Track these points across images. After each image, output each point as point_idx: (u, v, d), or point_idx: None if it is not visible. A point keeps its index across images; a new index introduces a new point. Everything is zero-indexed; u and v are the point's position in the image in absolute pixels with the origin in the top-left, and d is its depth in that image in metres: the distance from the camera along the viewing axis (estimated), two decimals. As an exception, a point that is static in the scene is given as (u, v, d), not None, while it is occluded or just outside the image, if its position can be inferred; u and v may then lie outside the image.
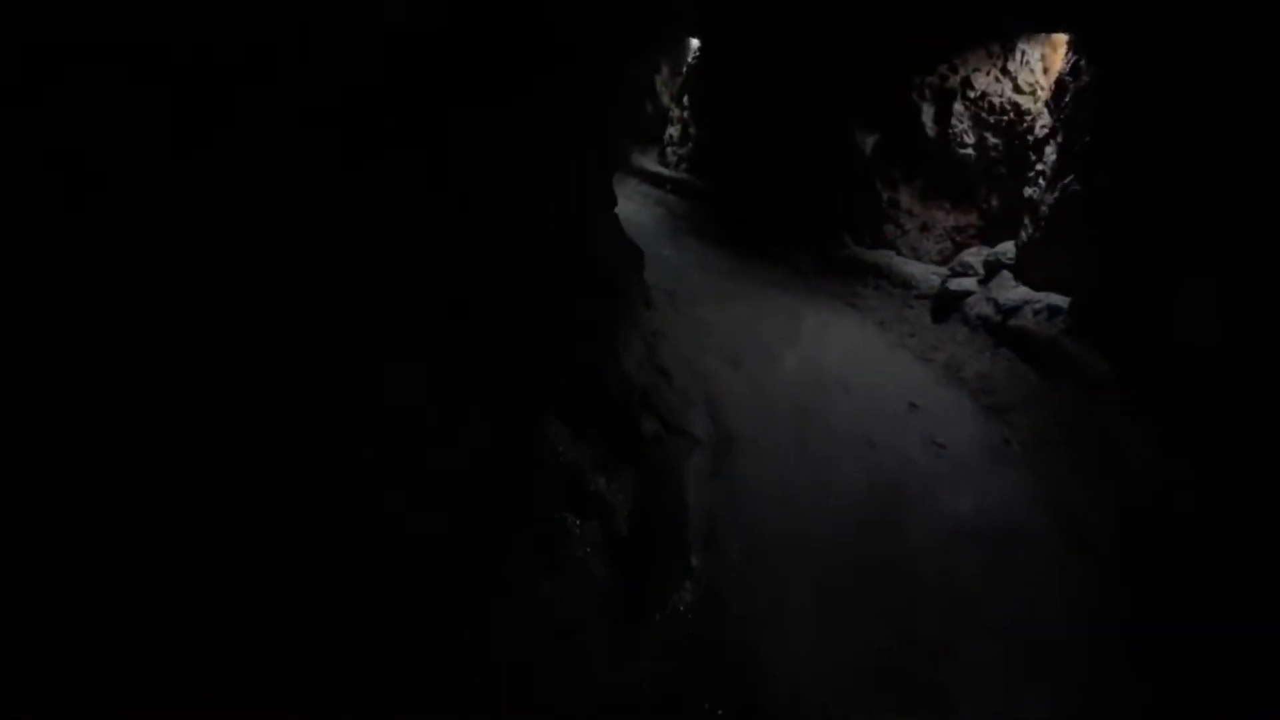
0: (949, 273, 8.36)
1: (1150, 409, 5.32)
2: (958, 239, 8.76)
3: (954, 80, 8.56)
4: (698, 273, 10.10)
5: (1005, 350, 7.03)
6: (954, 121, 8.50)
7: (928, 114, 8.79)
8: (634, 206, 14.28)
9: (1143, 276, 5.80)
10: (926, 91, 8.79)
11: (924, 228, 8.93)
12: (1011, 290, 7.43)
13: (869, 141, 9.38)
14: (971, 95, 8.38)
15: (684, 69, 15.21)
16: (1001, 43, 8.19)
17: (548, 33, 4.22)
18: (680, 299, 8.87)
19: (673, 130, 15.28)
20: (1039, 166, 7.51)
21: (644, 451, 5.41)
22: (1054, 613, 4.40)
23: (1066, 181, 6.76)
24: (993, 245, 8.22)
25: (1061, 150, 7.07)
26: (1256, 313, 4.86)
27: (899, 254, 9.10)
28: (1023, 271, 7.56)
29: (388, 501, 3.10)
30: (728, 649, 4.12)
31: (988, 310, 7.47)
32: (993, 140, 8.31)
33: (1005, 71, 8.18)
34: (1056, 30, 7.51)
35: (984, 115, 8.30)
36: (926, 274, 8.62)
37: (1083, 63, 6.86)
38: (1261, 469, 4.54)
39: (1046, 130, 7.50)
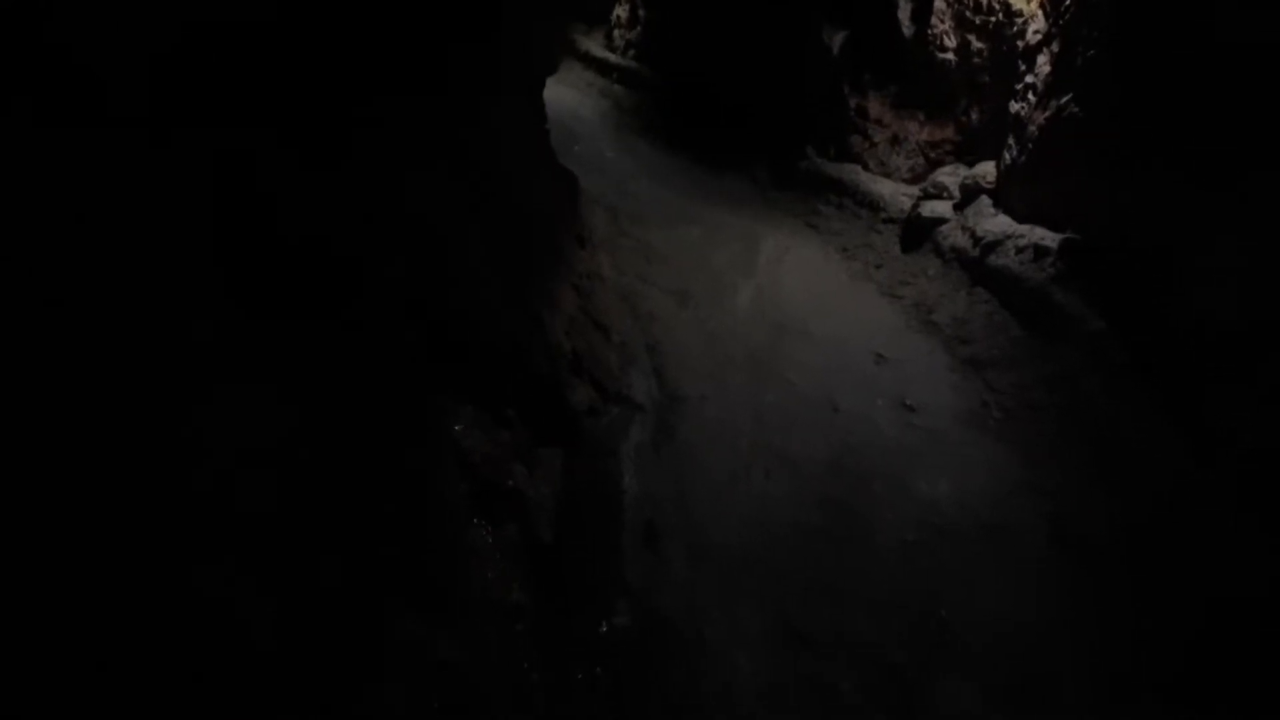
0: (920, 194, 7.54)
1: (1156, 384, 4.66)
2: (932, 155, 7.90)
3: (936, -27, 7.52)
4: (645, 183, 9.15)
5: (982, 290, 6.31)
6: (934, 20, 7.50)
7: (904, 10, 7.77)
8: (577, 97, 13.06)
9: (1150, 222, 5.06)
10: (903, -16, 7.76)
11: (894, 141, 8.04)
12: (990, 220, 6.65)
13: (836, 39, 8.35)
14: (955, -9, 7.38)
15: (632, -59, 13.71)
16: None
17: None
18: (624, 218, 7.96)
19: (620, 10, 13.88)
20: (1028, 79, 6.62)
21: (575, 427, 4.66)
22: (1042, 638, 3.82)
23: (1062, 101, 5.90)
24: (971, 165, 7.38)
25: (1057, 62, 6.18)
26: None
27: (866, 169, 8.22)
28: (1004, 199, 6.77)
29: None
30: (670, 692, 3.48)
31: (964, 242, 6.70)
32: (977, 44, 7.34)
33: (996, -42, 7.17)
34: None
35: (969, 15, 7.31)
36: (896, 194, 7.79)
37: (1090, -41, 5.90)
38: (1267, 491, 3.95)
39: (1040, 37, 6.57)
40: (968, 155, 7.64)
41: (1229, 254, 4.47)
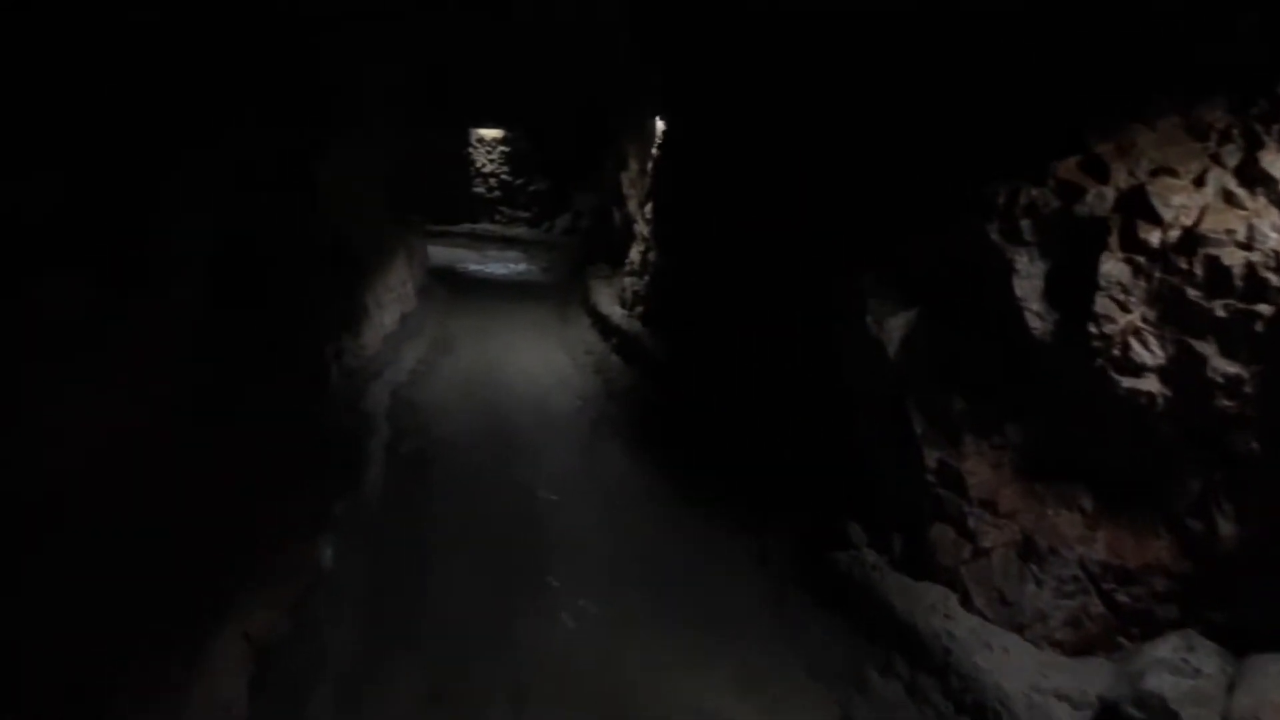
0: (1098, 706, 3.09)
1: None
2: (1120, 597, 3.44)
3: (1098, 197, 3.40)
4: (581, 573, 5.09)
5: None
6: (1101, 301, 3.30)
7: (1029, 276, 3.63)
8: (565, 369, 9.35)
9: None
10: (1025, 223, 3.65)
11: (1027, 549, 3.65)
12: None
13: (894, 326, 4.25)
14: (1152, 239, 3.18)
15: (649, 165, 10.37)
16: (1234, 99, 3.03)
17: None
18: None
19: (634, 252, 10.39)
20: None
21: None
22: None
23: None
24: (1221, 637, 2.96)
25: None
26: None
27: (966, 602, 3.81)
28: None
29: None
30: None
31: None
32: (1222, 366, 3.02)
33: (1248, 177, 2.98)
34: None
35: (1189, 292, 3.07)
36: (1037, 689, 3.31)
37: None
38: None
39: None
40: (1203, 604, 3.18)
41: None
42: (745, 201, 6.91)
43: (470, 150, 18.95)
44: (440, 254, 15.86)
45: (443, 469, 6.44)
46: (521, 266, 16.01)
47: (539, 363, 9.61)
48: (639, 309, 9.54)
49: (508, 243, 17.79)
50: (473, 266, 15.63)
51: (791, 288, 5.90)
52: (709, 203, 7.71)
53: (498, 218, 19.03)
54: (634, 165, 11.11)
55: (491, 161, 19.00)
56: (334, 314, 7.76)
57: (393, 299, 9.99)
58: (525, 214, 18.86)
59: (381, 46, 8.88)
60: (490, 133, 18.79)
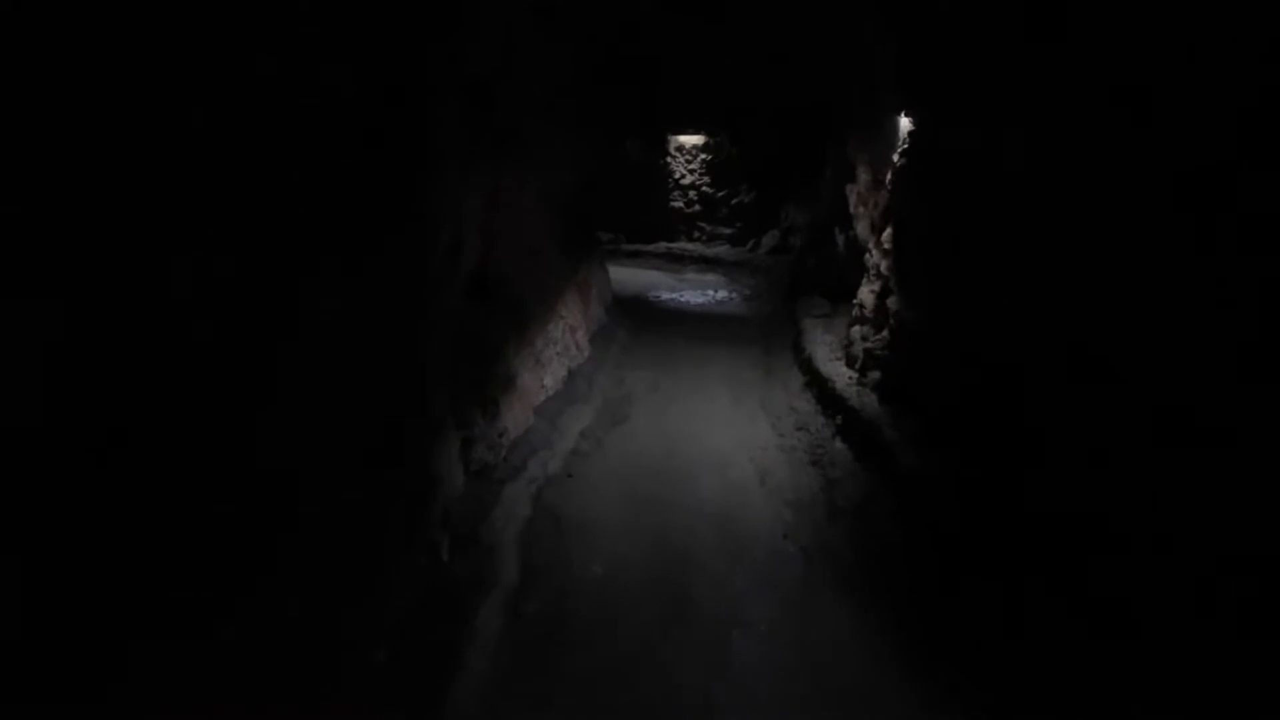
0: None
1: None
2: None
3: None
4: None
5: None
6: None
7: None
8: (766, 454, 6.93)
9: None
10: None
11: None
12: None
13: None
14: None
15: (888, 176, 7.74)
16: None
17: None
18: None
19: (865, 293, 7.81)
20: None
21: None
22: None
23: None
24: None
25: None
26: None
27: None
28: None
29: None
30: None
31: None
32: None
33: None
34: None
35: None
36: None
37: None
38: None
39: None
40: None
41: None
42: (1051, 236, 4.29)
43: (668, 160, 16.92)
44: (630, 279, 13.89)
45: (579, 656, 4.26)
46: (721, 294, 13.74)
47: (734, 441, 7.28)
48: (874, 375, 6.99)
49: (707, 264, 15.60)
50: (665, 295, 13.52)
51: (1146, 389, 3.27)
52: (986, 237, 5.11)
53: (697, 235, 16.87)
54: (864, 176, 8.50)
55: (691, 172, 16.87)
56: (463, 391, 5.80)
57: (556, 352, 8.00)
58: (727, 230, 16.58)
59: (543, 28, 6.89)
60: (690, 139, 16.66)
